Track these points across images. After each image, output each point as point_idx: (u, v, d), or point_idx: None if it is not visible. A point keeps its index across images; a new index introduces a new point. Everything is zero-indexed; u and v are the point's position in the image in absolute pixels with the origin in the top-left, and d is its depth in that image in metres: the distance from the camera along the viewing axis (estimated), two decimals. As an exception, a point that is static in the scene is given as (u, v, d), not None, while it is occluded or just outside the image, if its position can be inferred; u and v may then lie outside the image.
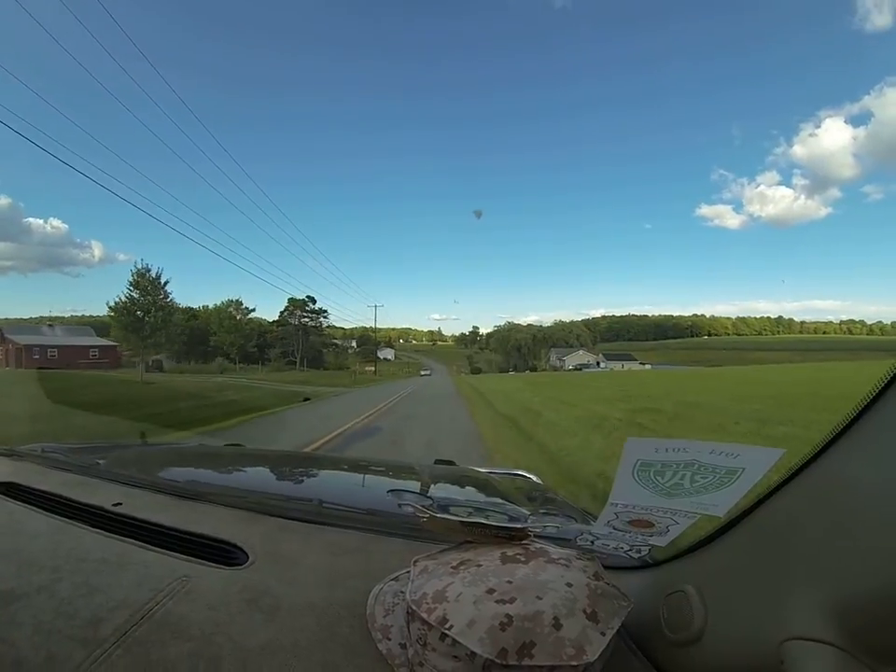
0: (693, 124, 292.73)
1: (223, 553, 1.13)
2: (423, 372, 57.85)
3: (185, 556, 1.10)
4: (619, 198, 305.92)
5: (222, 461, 2.44)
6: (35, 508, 1.38)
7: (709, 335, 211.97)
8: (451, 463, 2.79)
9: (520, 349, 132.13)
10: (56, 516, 1.32)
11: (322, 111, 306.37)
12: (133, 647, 0.81)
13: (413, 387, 37.76)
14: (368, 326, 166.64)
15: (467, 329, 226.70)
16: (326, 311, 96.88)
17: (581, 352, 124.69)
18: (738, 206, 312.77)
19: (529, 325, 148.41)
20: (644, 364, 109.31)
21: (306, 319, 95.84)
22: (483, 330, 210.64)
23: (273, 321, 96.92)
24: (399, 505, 1.39)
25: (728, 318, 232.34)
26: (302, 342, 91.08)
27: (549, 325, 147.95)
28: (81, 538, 1.20)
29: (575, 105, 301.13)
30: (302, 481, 2.13)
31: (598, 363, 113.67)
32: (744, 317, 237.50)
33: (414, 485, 1.95)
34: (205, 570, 1.05)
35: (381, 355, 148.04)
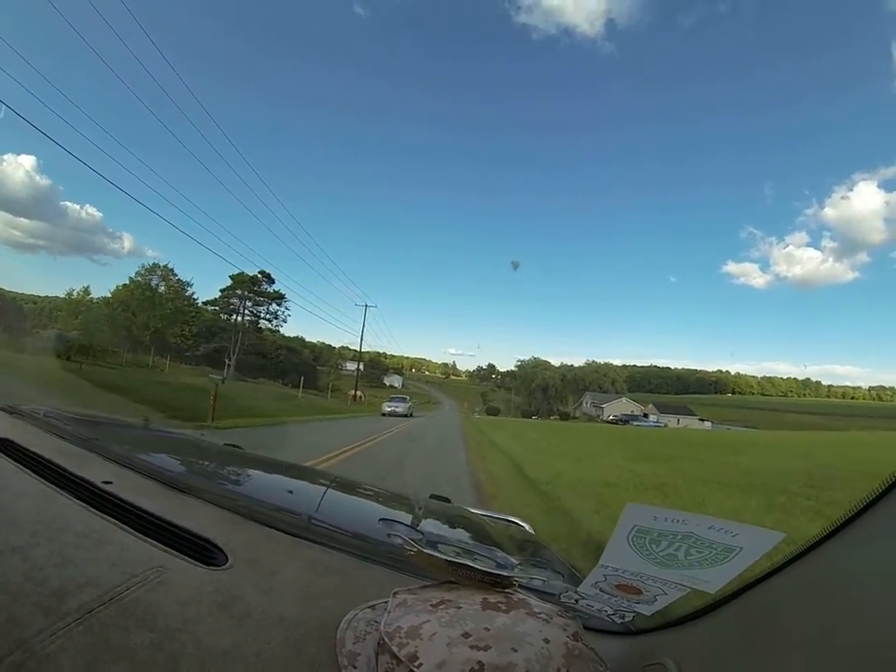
0: (725, 180, 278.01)
1: (203, 552, 1.10)
2: (400, 412, 42.29)
3: (164, 547, 1.06)
4: (646, 247, 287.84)
5: (219, 459, 2.50)
6: (25, 469, 1.35)
7: (733, 392, 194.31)
8: (447, 500, 2.76)
9: (546, 390, 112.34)
10: (45, 482, 1.29)
11: (359, 136, 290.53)
12: (95, 627, 0.80)
13: (397, 430, 24.66)
14: (381, 351, 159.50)
15: (484, 364, 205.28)
16: (283, 296, 73.45)
17: (623, 400, 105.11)
18: (765, 265, 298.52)
19: (561, 363, 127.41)
20: (703, 421, 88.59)
21: (255, 307, 73.69)
22: (501, 368, 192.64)
23: (209, 301, 71.74)
24: (389, 535, 1.36)
25: (753, 377, 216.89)
26: (240, 337, 68.13)
27: (580, 365, 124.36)
28: (65, 508, 1.17)
29: (610, 153, 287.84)
30: (295, 493, 2.03)
31: (646, 415, 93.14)
32: (770, 377, 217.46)
33: (407, 517, 1.93)
34: (182, 565, 1.02)
35: (387, 381, 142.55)
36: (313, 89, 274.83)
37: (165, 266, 62.75)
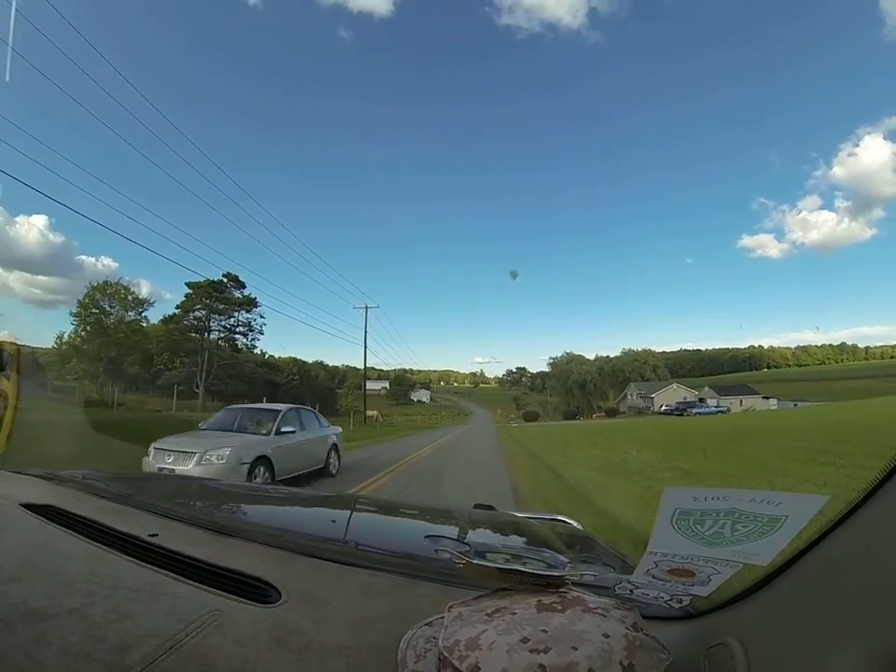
0: (730, 154, 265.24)
1: (256, 591, 1.12)
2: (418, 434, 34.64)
3: (217, 591, 1.09)
4: (659, 233, 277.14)
5: (259, 499, 2.54)
6: (72, 532, 1.38)
7: (768, 367, 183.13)
8: (490, 508, 2.73)
9: (584, 386, 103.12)
10: (92, 542, 1.33)
11: (358, 154, 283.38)
12: None
13: (400, 467, 15.31)
14: (407, 368, 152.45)
15: (513, 367, 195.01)
16: (255, 301, 59.45)
17: (673, 386, 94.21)
18: (780, 234, 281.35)
19: (596, 356, 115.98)
20: (767, 398, 79.45)
21: (226, 320, 59.95)
22: (532, 370, 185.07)
23: (167, 318, 57.70)
24: (436, 550, 1.27)
25: (787, 348, 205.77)
26: (208, 358, 54.62)
27: (617, 356, 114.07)
28: (116, 565, 1.21)
29: (613, 141, 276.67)
30: (338, 522, 2.06)
31: (702, 400, 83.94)
32: (804, 346, 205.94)
33: (452, 530, 1.94)
34: (237, 606, 1.04)
35: (414, 397, 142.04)
36: (302, 114, 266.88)
37: (118, 282, 50.56)
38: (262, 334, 62.83)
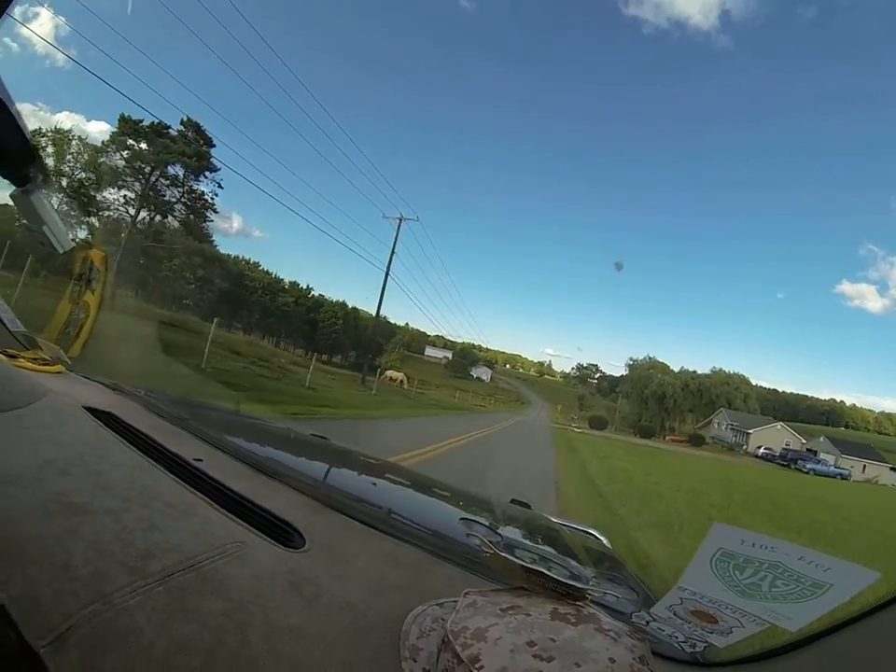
0: (846, 186, 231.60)
1: (282, 533, 1.14)
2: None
3: (245, 524, 1.12)
4: (756, 256, 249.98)
5: (305, 448, 2.62)
6: (125, 442, 1.45)
7: (846, 426, 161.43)
8: (526, 506, 2.74)
9: (662, 400, 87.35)
10: (141, 454, 1.39)
11: (471, 122, 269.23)
12: (174, 589, 0.84)
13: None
14: (476, 343, 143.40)
15: (584, 362, 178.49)
16: (209, 159, 41.98)
17: (777, 427, 77.72)
18: (884, 288, 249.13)
19: (682, 368, 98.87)
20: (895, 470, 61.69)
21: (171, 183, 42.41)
22: (605, 370, 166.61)
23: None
24: (467, 534, 1.38)
25: (870, 411, 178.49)
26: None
27: (705, 373, 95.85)
28: (158, 479, 1.25)
29: (725, 149, 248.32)
30: (377, 486, 2.08)
31: (814, 452, 66.53)
32: (889, 413, 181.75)
33: (485, 519, 1.87)
34: (261, 543, 1.08)
35: (475, 373, 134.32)
36: (434, 76, 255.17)
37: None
38: (215, 211, 45.97)
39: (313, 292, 78.95)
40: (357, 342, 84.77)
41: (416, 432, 17.03)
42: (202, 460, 1.43)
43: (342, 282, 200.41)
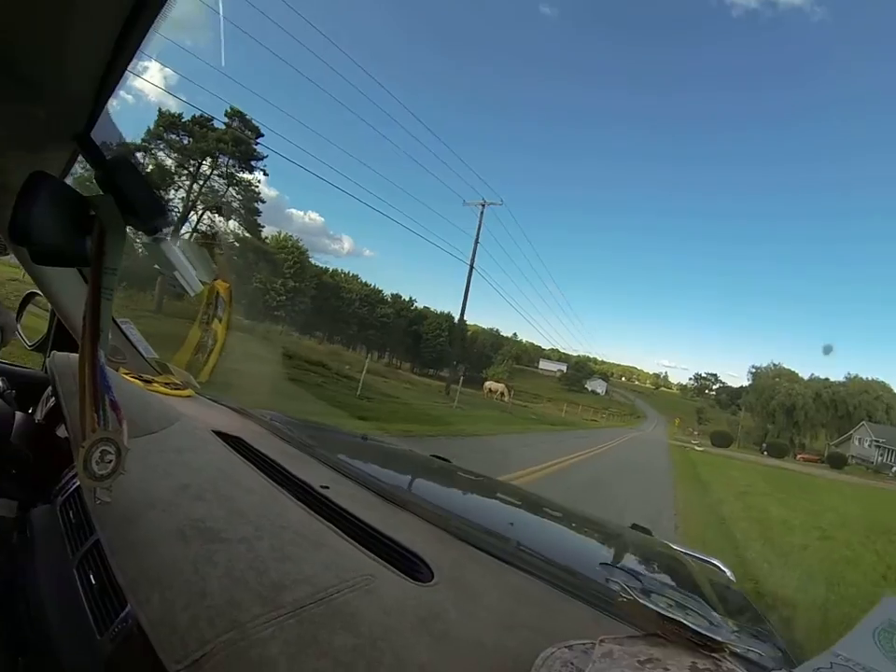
0: None
1: (411, 565, 1.12)
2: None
3: (374, 556, 1.11)
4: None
5: (429, 473, 2.54)
6: (254, 467, 1.50)
7: None
8: (647, 532, 2.60)
9: (791, 413, 77.81)
10: (270, 480, 1.43)
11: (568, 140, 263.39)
12: (306, 622, 0.84)
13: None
14: (591, 356, 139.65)
15: (702, 372, 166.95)
16: (257, 153, 37.77)
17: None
18: None
19: (812, 375, 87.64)
20: None
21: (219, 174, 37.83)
22: (726, 379, 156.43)
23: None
24: (607, 580, 1.20)
25: None
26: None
27: (839, 381, 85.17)
28: (287, 507, 1.28)
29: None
30: (503, 515, 2.07)
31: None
32: None
33: (611, 548, 1.97)
34: (390, 576, 1.06)
35: (589, 386, 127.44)
36: (513, 96, 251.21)
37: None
38: (262, 201, 41.53)
39: (416, 304, 77.89)
40: (464, 354, 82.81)
41: (492, 454, 13.81)
42: (328, 487, 1.42)
43: (448, 295, 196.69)
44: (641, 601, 0.90)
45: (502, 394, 45.08)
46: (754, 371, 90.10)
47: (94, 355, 1.10)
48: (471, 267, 36.10)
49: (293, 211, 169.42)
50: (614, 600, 1.00)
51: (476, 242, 36.66)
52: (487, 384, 49.75)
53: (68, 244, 1.04)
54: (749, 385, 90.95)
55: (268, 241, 51.03)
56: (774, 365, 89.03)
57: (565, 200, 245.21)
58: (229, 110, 34.45)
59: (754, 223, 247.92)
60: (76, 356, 1.51)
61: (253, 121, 34.62)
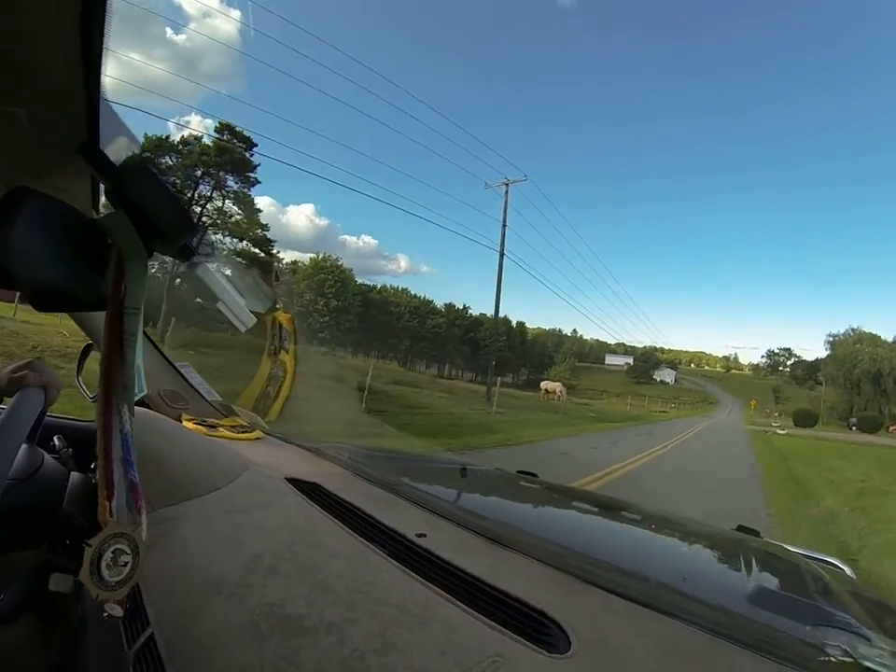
0: None
1: (541, 631, 0.90)
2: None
3: (496, 625, 0.89)
4: None
5: (527, 497, 2.22)
6: (335, 520, 1.30)
7: None
8: (755, 533, 2.26)
9: (878, 381, 71.16)
10: (356, 535, 1.22)
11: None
12: None
13: None
14: (658, 346, 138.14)
15: (775, 347, 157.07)
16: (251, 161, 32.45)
17: None
18: None
19: None
20: None
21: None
22: (801, 353, 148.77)
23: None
24: (825, 645, 0.95)
25: None
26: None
27: None
28: (381, 570, 1.07)
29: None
30: (627, 543, 1.72)
31: None
32: None
33: (738, 565, 1.56)
34: (521, 652, 0.83)
35: (657, 376, 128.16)
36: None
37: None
38: (259, 210, 36.55)
39: (470, 311, 77.10)
40: (525, 358, 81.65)
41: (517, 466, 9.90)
42: (425, 535, 1.22)
43: (507, 299, 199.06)
44: (867, 664, 0.76)
45: (560, 394, 41.48)
46: (832, 339, 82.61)
47: (109, 419, 0.88)
48: (501, 254, 32.79)
49: (346, 237, 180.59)
50: (783, 641, 0.85)
51: (504, 225, 33.25)
52: (543, 384, 47.01)
53: (76, 282, 0.84)
54: (828, 355, 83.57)
55: (306, 263, 53.33)
56: (853, 330, 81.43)
57: (610, 174, 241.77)
58: (218, 125, 31.62)
59: (821, 187, 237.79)
60: (145, 410, 1.43)
61: (244, 132, 31.85)
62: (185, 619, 0.87)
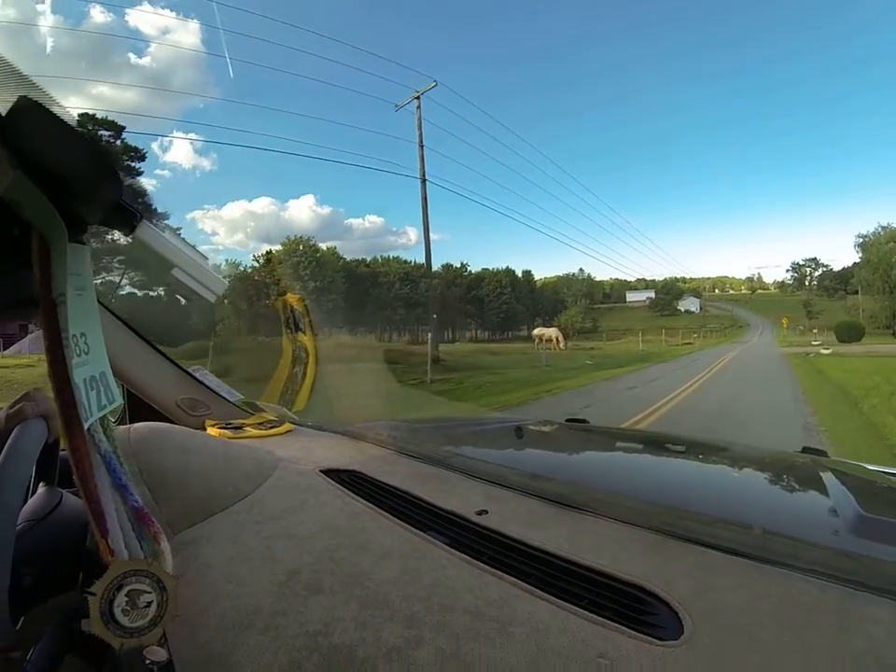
0: None
1: (641, 612, 0.73)
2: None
3: (589, 613, 0.72)
4: None
5: (588, 448, 2.05)
6: (381, 511, 1.13)
7: None
8: (821, 453, 2.01)
9: None
10: (406, 525, 1.05)
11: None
12: None
13: None
14: (678, 276, 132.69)
15: (800, 259, 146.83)
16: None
17: None
18: None
19: None
20: None
21: None
22: (826, 260, 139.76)
23: None
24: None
25: None
26: None
27: None
28: (442, 566, 0.88)
29: None
30: (706, 485, 1.50)
31: None
32: None
33: (832, 494, 1.29)
34: (627, 645, 0.66)
35: (681, 306, 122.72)
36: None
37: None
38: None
39: (469, 268, 74.09)
40: (537, 308, 78.63)
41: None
42: (486, 512, 1.06)
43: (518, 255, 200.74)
44: None
45: (557, 340, 35.14)
46: (862, 240, 74.21)
47: (77, 443, 0.73)
48: (423, 181, 26.52)
49: (351, 221, 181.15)
50: None
51: (421, 146, 26.85)
52: (536, 331, 40.08)
53: None
54: (860, 259, 75.36)
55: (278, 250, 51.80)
56: (882, 228, 72.50)
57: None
58: (78, 117, 26.05)
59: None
60: (159, 425, 1.36)
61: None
62: (214, 667, 0.72)
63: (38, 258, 0.68)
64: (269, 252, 54.01)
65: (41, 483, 1.15)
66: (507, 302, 68.92)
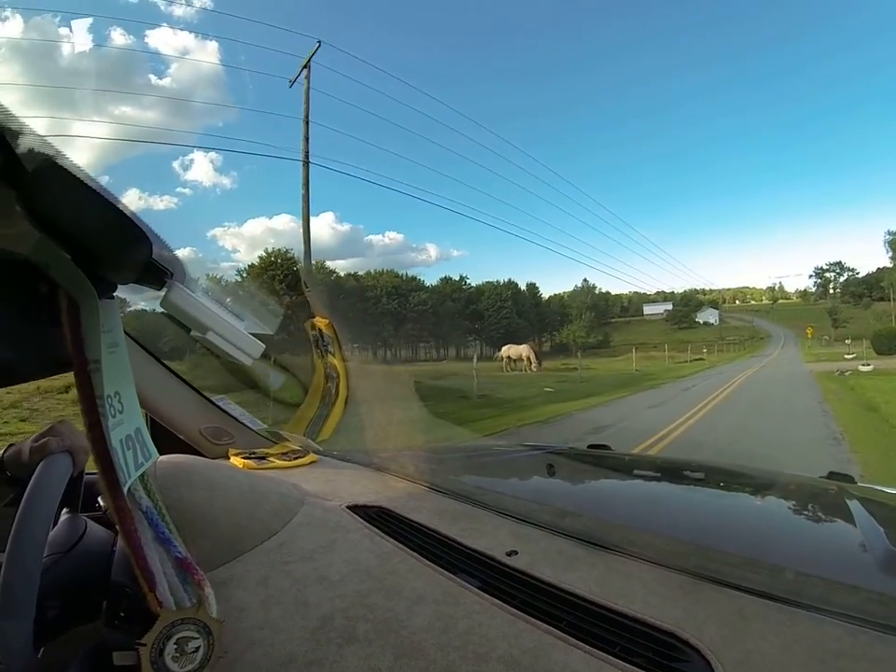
0: None
1: (673, 659, 0.72)
2: None
3: (622, 663, 0.71)
4: None
5: (617, 479, 1.98)
6: (408, 550, 1.10)
7: None
8: (848, 479, 1.91)
9: None
10: (437, 567, 1.02)
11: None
12: None
13: None
14: (698, 288, 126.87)
15: (824, 263, 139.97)
16: None
17: None
18: None
19: None
20: None
21: None
22: (852, 265, 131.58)
23: None
24: None
25: None
26: None
27: None
28: (475, 612, 0.86)
29: None
30: (746, 525, 1.39)
31: None
32: None
33: (848, 527, 1.31)
34: None
35: (700, 318, 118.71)
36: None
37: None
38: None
39: (468, 282, 71.38)
40: (542, 323, 72.99)
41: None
42: (516, 552, 1.03)
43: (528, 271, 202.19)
44: None
45: (529, 360, 28.75)
46: (891, 237, 67.25)
47: (120, 503, 0.75)
48: (306, 163, 22.02)
49: (371, 237, 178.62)
50: None
51: (306, 123, 22.22)
52: (503, 350, 32.25)
53: (24, 348, 0.77)
54: (890, 258, 68.34)
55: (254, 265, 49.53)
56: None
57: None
58: None
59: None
60: (184, 458, 1.32)
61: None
62: None
63: (68, 317, 0.67)
64: (251, 266, 51.81)
65: (65, 510, 1.10)
66: (507, 317, 64.31)
